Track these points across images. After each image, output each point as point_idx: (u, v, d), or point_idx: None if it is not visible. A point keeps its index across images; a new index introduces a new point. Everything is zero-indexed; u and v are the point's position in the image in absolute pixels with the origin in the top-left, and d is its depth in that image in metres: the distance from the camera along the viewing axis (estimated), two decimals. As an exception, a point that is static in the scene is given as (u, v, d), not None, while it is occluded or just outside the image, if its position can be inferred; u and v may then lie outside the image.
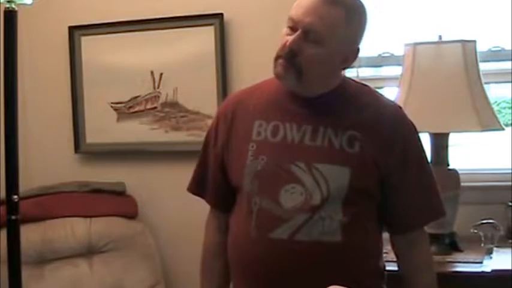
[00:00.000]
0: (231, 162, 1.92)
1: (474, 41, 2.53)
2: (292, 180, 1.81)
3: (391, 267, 2.08)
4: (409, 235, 1.93)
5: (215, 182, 2.00)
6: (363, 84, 1.98)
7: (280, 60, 1.80)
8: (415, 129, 1.92)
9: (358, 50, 1.86)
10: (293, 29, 1.78)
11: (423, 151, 1.93)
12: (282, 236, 1.79)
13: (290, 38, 1.77)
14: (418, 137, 1.93)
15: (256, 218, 1.83)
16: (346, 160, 1.81)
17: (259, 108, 1.91)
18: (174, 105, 3.05)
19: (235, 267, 1.93)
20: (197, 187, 2.07)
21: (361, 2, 1.84)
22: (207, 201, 2.06)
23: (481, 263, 2.37)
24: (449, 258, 2.44)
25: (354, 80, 2.00)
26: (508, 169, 2.70)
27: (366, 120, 1.85)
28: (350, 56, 1.85)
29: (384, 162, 1.83)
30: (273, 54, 1.88)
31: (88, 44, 3.14)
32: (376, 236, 1.91)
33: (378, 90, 2.09)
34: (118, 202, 3.04)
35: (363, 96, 1.91)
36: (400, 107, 1.97)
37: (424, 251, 1.97)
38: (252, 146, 1.87)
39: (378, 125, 1.85)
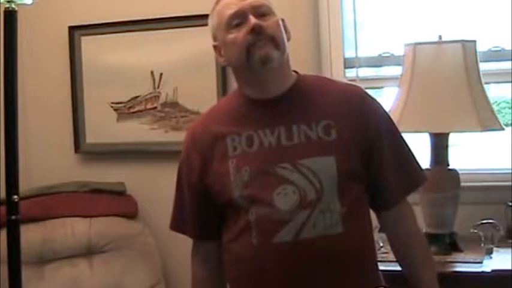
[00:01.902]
0: (214, 184, 1.90)
1: (474, 41, 2.53)
2: (281, 182, 1.81)
3: (391, 267, 2.08)
4: (395, 210, 1.95)
5: (195, 211, 1.99)
6: (315, 75, 2.07)
7: (257, 44, 1.83)
8: (380, 103, 1.98)
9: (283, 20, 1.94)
10: (241, 24, 1.84)
11: (392, 122, 1.99)
12: (285, 238, 1.79)
13: (250, 23, 1.82)
14: (384, 109, 1.98)
15: (256, 227, 1.82)
16: (327, 149, 1.83)
17: (226, 126, 1.91)
18: (174, 105, 3.05)
19: (242, 283, 1.90)
20: (177, 224, 2.07)
21: None
22: (190, 236, 2.05)
23: (481, 263, 2.37)
24: (449, 258, 2.44)
25: (307, 75, 2.03)
26: (508, 169, 2.70)
27: (333, 106, 1.88)
28: (285, 25, 1.92)
29: (362, 142, 1.86)
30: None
31: (88, 44, 3.14)
32: (369, 222, 1.93)
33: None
34: (118, 202, 3.04)
35: (323, 85, 1.96)
36: (361, 87, 2.01)
37: (413, 224, 1.99)
38: (232, 162, 1.86)
39: (346, 107, 1.88)
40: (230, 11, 1.85)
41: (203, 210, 1.96)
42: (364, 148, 1.86)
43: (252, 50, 1.83)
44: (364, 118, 1.88)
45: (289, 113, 1.87)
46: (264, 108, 1.89)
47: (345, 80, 2.79)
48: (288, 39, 1.91)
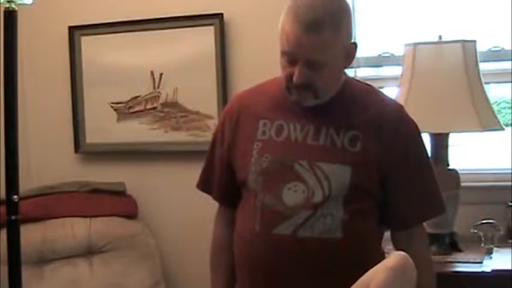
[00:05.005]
0: (237, 161, 1.96)
1: (474, 41, 2.53)
2: (295, 179, 1.84)
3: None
4: (408, 231, 1.94)
5: (221, 179, 2.04)
6: (366, 84, 2.01)
7: (294, 90, 1.84)
8: (417, 128, 1.95)
9: (355, 44, 1.87)
10: (290, 60, 1.80)
11: (425, 150, 1.96)
12: (285, 232, 1.82)
13: (295, 74, 1.79)
14: (420, 136, 1.96)
15: (261, 214, 1.86)
16: (347, 159, 1.84)
17: (263, 108, 1.95)
18: (174, 105, 3.05)
19: (240, 261, 1.96)
20: (204, 184, 2.10)
21: (335, 2, 1.82)
22: (214, 198, 2.10)
23: (481, 263, 2.37)
24: (449, 258, 2.44)
25: (357, 80, 2.05)
26: (508, 169, 2.70)
27: (368, 120, 1.87)
28: (350, 52, 1.86)
29: (386, 161, 1.86)
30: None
31: (88, 44, 3.14)
32: (376, 234, 1.94)
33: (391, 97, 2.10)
34: (118, 202, 3.04)
35: (366, 97, 1.94)
36: (402, 107, 1.99)
37: (424, 248, 1.98)
38: (257, 145, 1.91)
39: (380, 125, 1.87)
40: (285, 46, 1.79)
41: (229, 179, 2.00)
42: (385, 168, 1.86)
43: (290, 88, 1.84)
44: (394, 141, 1.87)
45: (323, 115, 1.88)
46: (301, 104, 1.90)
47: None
48: (347, 66, 1.89)
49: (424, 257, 1.97)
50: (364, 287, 1.65)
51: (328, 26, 1.75)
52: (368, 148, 1.84)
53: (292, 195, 1.83)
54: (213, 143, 2.07)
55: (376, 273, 1.65)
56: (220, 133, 2.03)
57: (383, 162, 1.85)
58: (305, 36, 1.74)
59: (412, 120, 1.95)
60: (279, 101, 1.93)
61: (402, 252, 1.69)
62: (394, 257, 1.67)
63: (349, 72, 2.88)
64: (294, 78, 1.79)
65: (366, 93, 1.95)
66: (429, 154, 2.51)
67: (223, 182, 2.03)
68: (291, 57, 1.80)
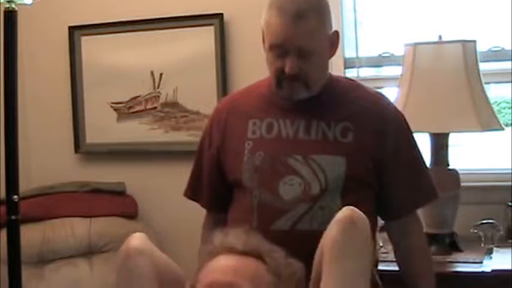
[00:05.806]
0: (228, 162, 1.96)
1: (474, 41, 2.53)
2: (290, 173, 1.86)
3: (391, 267, 2.08)
4: (402, 221, 1.97)
5: (210, 183, 2.04)
6: (350, 79, 2.09)
7: (286, 84, 1.86)
8: (405, 119, 1.99)
9: (337, 32, 1.91)
10: (280, 53, 1.83)
11: (413, 138, 2.00)
12: (283, 227, 1.84)
13: (287, 65, 1.82)
14: (408, 126, 1.99)
15: (257, 211, 1.87)
16: (340, 150, 1.87)
17: (252, 108, 1.97)
18: (174, 105, 3.05)
19: None
20: (192, 192, 2.11)
21: None
22: (202, 205, 2.11)
23: (481, 263, 2.37)
24: (449, 258, 2.44)
25: (342, 77, 2.12)
26: (508, 169, 2.70)
27: (357, 112, 1.91)
28: (334, 41, 1.91)
29: (378, 150, 1.89)
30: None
31: (88, 44, 3.14)
32: (372, 226, 1.93)
33: (377, 90, 2.12)
34: (118, 202, 3.04)
35: (352, 91, 1.98)
36: (388, 99, 2.04)
37: (419, 238, 2.01)
38: (248, 144, 1.92)
39: (369, 115, 1.91)
40: (274, 39, 1.83)
41: (218, 184, 2.01)
42: (378, 158, 1.89)
43: (281, 82, 1.86)
44: (384, 130, 1.91)
45: (313, 109, 1.90)
46: (291, 101, 1.92)
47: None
48: (332, 55, 1.93)
49: (421, 246, 2.00)
50: (320, 249, 1.67)
51: (312, 13, 1.81)
52: (360, 139, 1.88)
53: (288, 189, 1.85)
54: (200, 148, 2.07)
55: (327, 231, 1.66)
56: (207, 137, 2.04)
57: (375, 152, 1.89)
58: (293, 25, 1.80)
59: (399, 111, 2.01)
60: (267, 100, 1.96)
61: (348, 206, 1.69)
62: (340, 212, 1.67)
63: (350, 73, 2.92)
64: (286, 69, 1.83)
65: (351, 87, 2.00)
66: (429, 155, 2.54)
67: (213, 185, 2.03)
68: (280, 50, 1.83)
